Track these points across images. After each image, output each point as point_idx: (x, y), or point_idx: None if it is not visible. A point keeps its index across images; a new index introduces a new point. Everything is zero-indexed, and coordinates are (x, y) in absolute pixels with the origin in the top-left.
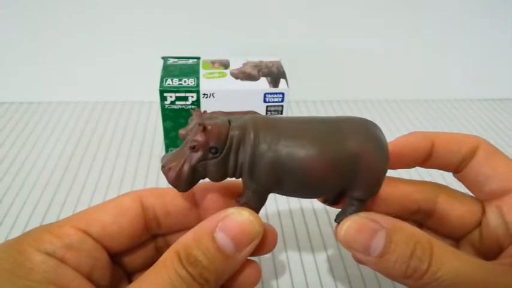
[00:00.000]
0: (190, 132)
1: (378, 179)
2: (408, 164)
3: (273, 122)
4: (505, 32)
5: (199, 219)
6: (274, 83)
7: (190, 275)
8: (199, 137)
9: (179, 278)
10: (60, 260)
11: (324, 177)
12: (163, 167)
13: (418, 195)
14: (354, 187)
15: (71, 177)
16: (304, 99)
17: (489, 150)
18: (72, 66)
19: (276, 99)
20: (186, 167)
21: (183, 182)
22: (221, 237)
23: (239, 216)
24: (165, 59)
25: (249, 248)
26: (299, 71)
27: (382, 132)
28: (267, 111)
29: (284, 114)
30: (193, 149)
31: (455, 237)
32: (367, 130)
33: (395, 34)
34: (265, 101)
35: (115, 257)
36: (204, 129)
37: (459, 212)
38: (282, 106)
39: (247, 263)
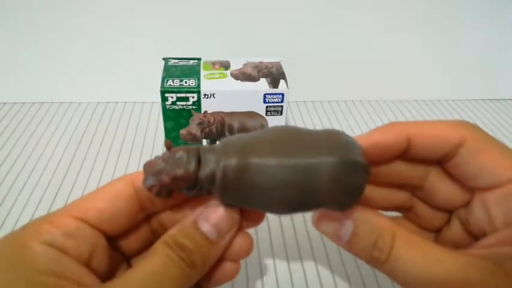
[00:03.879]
0: (169, 162)
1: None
2: (380, 163)
3: (246, 154)
4: (504, 32)
5: None
6: (274, 83)
7: (178, 257)
8: (171, 182)
9: (170, 259)
10: (61, 249)
11: (289, 213)
12: (144, 183)
13: (408, 173)
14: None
15: (73, 177)
16: (303, 100)
17: (475, 145)
18: (74, 67)
19: (275, 100)
20: (163, 191)
21: (164, 198)
22: (204, 225)
23: (218, 207)
24: (166, 60)
25: (230, 235)
26: (299, 71)
27: (361, 171)
28: (266, 111)
29: (284, 115)
30: (167, 185)
31: (445, 210)
32: (342, 177)
33: (395, 34)
34: (265, 102)
35: (113, 241)
36: (173, 178)
37: (446, 191)
38: (282, 106)
39: (238, 233)
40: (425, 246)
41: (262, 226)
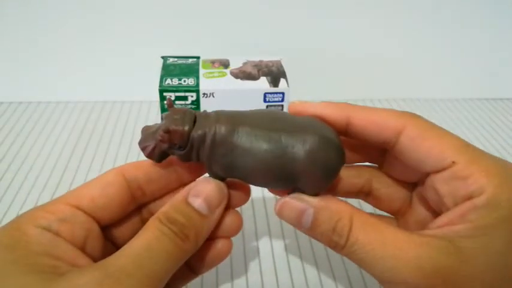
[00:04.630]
0: (167, 118)
1: (320, 190)
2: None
3: (235, 123)
4: (505, 32)
5: (180, 180)
6: (274, 82)
7: (171, 231)
8: (164, 137)
9: (162, 234)
10: (55, 233)
11: (268, 183)
12: (139, 143)
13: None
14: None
15: (70, 176)
16: (304, 99)
17: (415, 132)
18: (71, 66)
19: (276, 99)
20: (156, 150)
21: (156, 158)
22: (194, 200)
23: (207, 182)
24: (164, 58)
25: (220, 209)
26: (299, 70)
27: (337, 151)
28: None
29: None
30: (161, 141)
31: (405, 186)
32: (318, 152)
33: (395, 34)
34: (265, 101)
35: (106, 231)
36: (167, 131)
37: (400, 172)
38: (282, 106)
39: (227, 212)
40: (380, 229)
41: (262, 224)
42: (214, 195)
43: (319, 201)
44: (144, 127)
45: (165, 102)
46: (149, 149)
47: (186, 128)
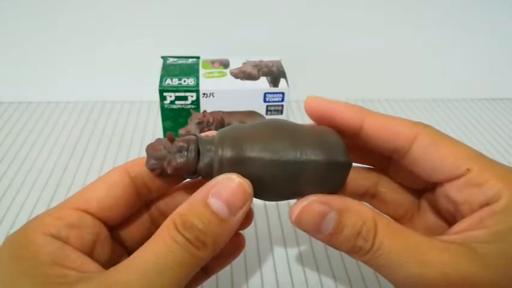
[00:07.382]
0: (171, 151)
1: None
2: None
3: (240, 147)
4: (505, 32)
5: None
6: (274, 82)
7: (186, 239)
8: (172, 171)
9: (175, 244)
10: (64, 240)
11: (280, 200)
12: (146, 164)
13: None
14: None
15: (70, 177)
16: (304, 99)
17: (429, 141)
18: (71, 65)
19: (276, 99)
20: (164, 174)
21: (165, 178)
22: (214, 202)
23: (229, 181)
24: (164, 58)
25: (243, 211)
26: (299, 70)
27: (343, 170)
28: (267, 110)
29: (284, 114)
30: (169, 173)
31: (415, 190)
32: (325, 175)
33: (396, 34)
34: (265, 101)
35: (114, 232)
36: (175, 168)
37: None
38: (282, 106)
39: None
40: (404, 233)
41: (262, 225)
42: (236, 196)
43: (341, 203)
44: (149, 146)
45: (166, 137)
46: (158, 171)
47: (191, 160)
